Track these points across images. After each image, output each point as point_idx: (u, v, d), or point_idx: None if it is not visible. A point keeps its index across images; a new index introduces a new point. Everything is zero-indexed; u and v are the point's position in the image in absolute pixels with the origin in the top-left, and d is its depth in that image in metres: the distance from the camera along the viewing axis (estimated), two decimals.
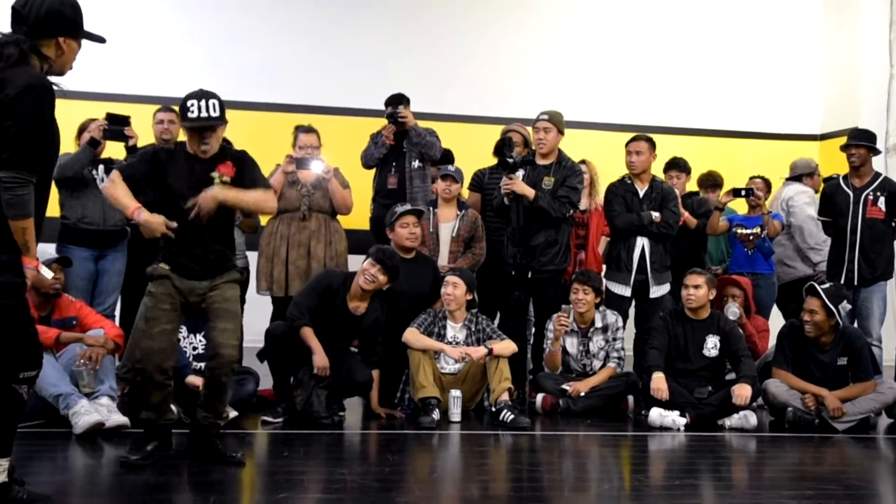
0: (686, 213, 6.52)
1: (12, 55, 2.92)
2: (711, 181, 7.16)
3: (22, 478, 3.19)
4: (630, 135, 6.35)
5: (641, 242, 6.08)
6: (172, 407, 4.68)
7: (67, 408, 4.46)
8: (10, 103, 2.87)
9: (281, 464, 4.15)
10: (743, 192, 6.57)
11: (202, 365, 5.02)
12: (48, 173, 3.11)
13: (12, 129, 2.87)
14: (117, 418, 4.51)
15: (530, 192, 5.78)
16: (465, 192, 6.57)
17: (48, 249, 5.28)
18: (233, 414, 4.83)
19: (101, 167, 5.71)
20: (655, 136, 6.38)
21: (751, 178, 7.19)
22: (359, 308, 5.24)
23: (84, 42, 3.19)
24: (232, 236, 4.14)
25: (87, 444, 4.32)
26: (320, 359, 4.99)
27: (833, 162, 7.29)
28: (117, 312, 5.92)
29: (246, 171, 3.96)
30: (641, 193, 6.15)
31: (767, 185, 7.28)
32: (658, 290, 6.12)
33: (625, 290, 6.07)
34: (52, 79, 3.06)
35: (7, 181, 2.90)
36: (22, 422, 4.49)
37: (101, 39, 3.21)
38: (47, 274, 4.79)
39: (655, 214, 6.04)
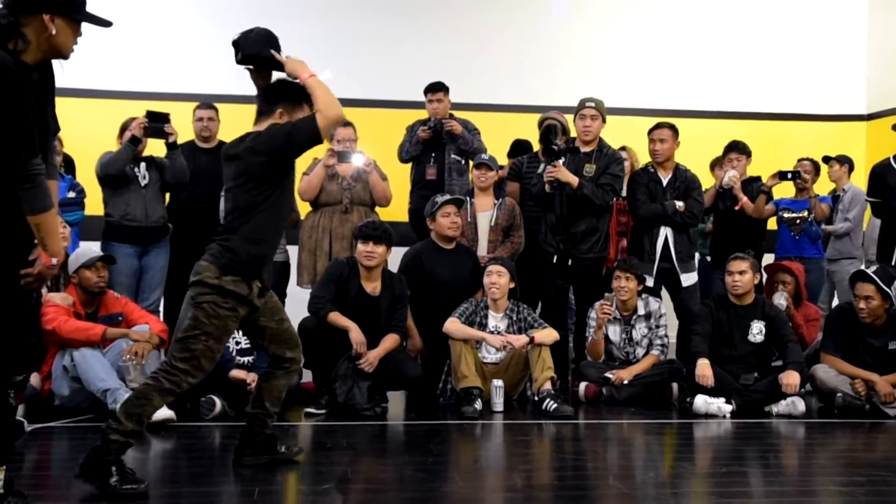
0: (745, 199, 6.37)
1: None
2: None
3: (22, 490, 3.06)
4: (663, 120, 6.24)
5: (665, 232, 5.99)
6: (217, 401, 4.77)
7: (115, 402, 4.52)
8: None
9: (324, 455, 4.16)
10: (789, 175, 6.43)
11: (246, 359, 5.09)
12: (34, 150, 2.80)
13: None
14: (163, 412, 4.54)
15: (574, 180, 5.74)
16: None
17: (93, 247, 5.37)
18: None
19: (142, 164, 5.79)
20: (698, 121, 6.28)
21: (799, 161, 7.04)
22: (375, 289, 5.23)
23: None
24: None
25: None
26: (357, 334, 4.98)
27: (881, 142, 7.11)
28: (161, 308, 6.01)
29: None
30: (665, 182, 6.06)
31: (816, 167, 7.12)
32: (688, 279, 6.02)
33: (647, 281, 5.96)
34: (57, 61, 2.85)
35: (21, 179, 2.74)
36: (70, 417, 4.66)
37: (104, 23, 2.89)
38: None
39: (679, 204, 5.94)
